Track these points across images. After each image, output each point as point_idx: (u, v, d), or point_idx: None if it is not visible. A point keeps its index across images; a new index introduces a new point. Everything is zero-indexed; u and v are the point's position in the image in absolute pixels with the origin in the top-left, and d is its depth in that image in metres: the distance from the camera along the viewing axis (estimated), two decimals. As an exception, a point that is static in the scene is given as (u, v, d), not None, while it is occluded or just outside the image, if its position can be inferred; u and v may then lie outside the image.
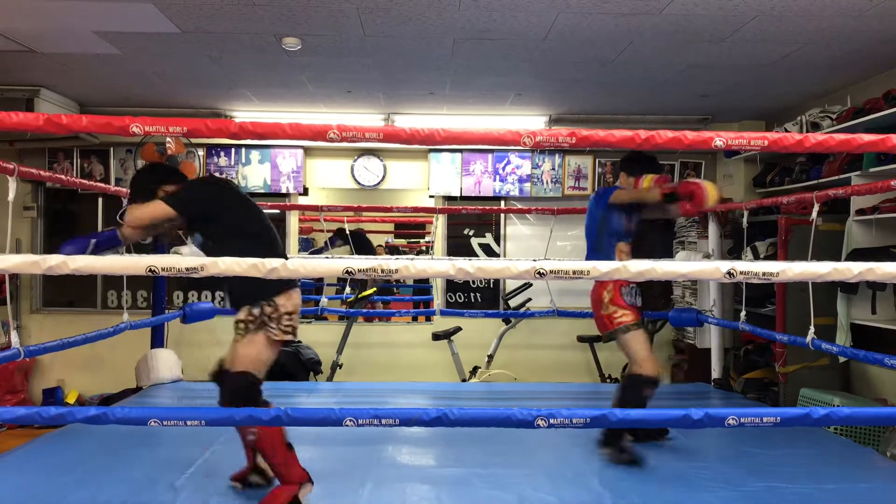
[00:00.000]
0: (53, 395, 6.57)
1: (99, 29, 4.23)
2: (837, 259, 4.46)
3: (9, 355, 3.16)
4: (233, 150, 6.72)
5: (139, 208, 2.95)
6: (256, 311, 2.90)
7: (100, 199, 6.77)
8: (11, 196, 2.89)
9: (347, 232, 6.15)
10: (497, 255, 6.92)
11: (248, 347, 2.92)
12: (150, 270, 2.11)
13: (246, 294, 2.92)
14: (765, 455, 3.68)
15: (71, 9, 3.87)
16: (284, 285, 2.92)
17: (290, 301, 2.96)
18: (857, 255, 4.45)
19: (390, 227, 8.86)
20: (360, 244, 7.50)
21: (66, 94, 5.91)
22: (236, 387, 2.87)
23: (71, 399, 6.59)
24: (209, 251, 2.91)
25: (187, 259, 2.15)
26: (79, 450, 3.65)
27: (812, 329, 3.69)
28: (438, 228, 6.85)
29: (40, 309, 6.82)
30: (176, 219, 2.97)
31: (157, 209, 2.91)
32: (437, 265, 2.27)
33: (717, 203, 4.03)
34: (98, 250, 2.96)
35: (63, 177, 4.08)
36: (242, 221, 3.00)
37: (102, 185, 5.41)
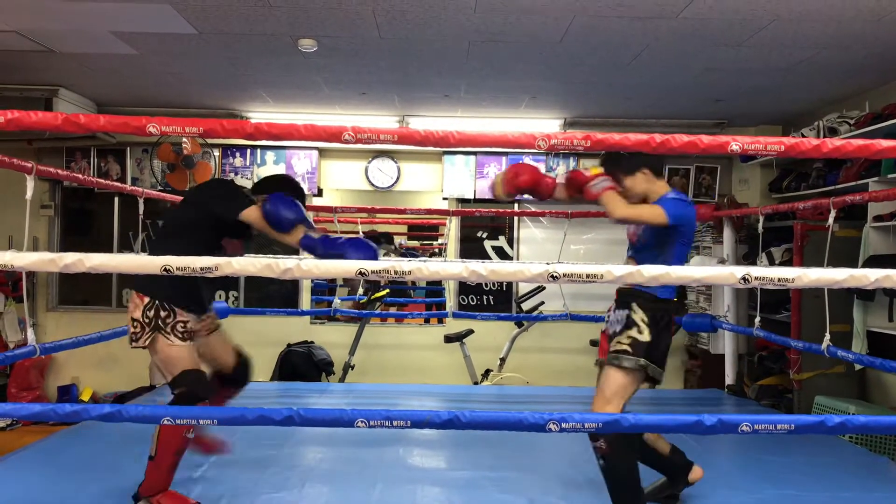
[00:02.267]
0: (68, 393, 6.63)
1: (116, 29, 4.26)
2: (854, 266, 4.43)
3: (25, 352, 3.18)
4: (248, 150, 6.75)
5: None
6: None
7: (116, 199, 6.82)
8: (29, 194, 2.92)
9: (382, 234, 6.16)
10: (510, 258, 6.91)
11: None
12: (165, 270, 2.12)
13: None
14: (778, 462, 3.66)
15: (89, 9, 3.90)
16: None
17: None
18: (875, 261, 4.41)
19: (403, 228, 8.86)
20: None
21: (83, 94, 5.96)
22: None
23: (85, 396, 6.65)
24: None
25: (202, 259, 2.16)
26: (93, 447, 3.68)
27: (828, 336, 3.65)
28: (452, 231, 6.85)
29: (56, 307, 6.87)
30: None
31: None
32: (450, 267, 2.26)
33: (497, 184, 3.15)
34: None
35: (80, 176, 4.12)
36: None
37: (119, 184, 5.46)
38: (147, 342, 2.86)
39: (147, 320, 2.84)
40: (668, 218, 2.76)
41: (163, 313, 2.84)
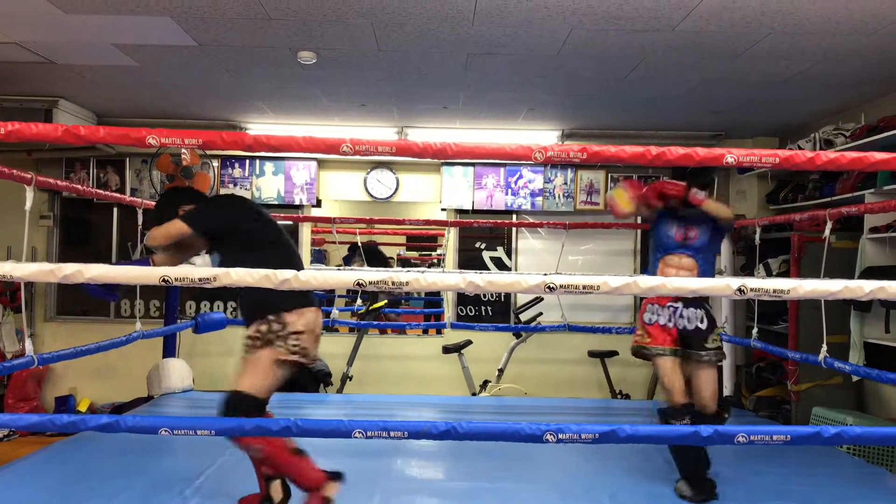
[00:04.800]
0: (66, 403, 6.61)
1: (118, 41, 4.28)
2: (851, 277, 4.45)
3: (22, 363, 3.19)
4: (247, 161, 6.77)
5: (157, 229, 2.98)
6: (263, 327, 2.85)
7: (115, 209, 6.83)
8: (29, 205, 2.93)
9: (360, 245, 6.17)
10: (508, 269, 6.92)
11: (251, 365, 2.86)
12: (164, 280, 2.13)
13: (255, 309, 2.89)
14: (776, 474, 3.65)
15: (90, 22, 3.92)
16: (295, 302, 2.84)
17: (301, 319, 2.87)
18: (871, 272, 4.43)
19: (402, 239, 8.89)
20: (373, 257, 7.52)
21: (84, 105, 5.98)
22: (230, 406, 2.81)
23: (83, 407, 6.63)
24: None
25: (201, 269, 2.17)
26: (90, 458, 3.67)
27: (825, 347, 3.66)
28: (450, 241, 6.86)
29: (54, 317, 6.87)
30: (192, 237, 2.98)
31: (173, 228, 2.93)
32: (448, 278, 2.27)
33: (621, 200, 3.62)
34: None
35: (79, 186, 4.13)
36: (257, 237, 2.98)
37: (118, 195, 5.47)
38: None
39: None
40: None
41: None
